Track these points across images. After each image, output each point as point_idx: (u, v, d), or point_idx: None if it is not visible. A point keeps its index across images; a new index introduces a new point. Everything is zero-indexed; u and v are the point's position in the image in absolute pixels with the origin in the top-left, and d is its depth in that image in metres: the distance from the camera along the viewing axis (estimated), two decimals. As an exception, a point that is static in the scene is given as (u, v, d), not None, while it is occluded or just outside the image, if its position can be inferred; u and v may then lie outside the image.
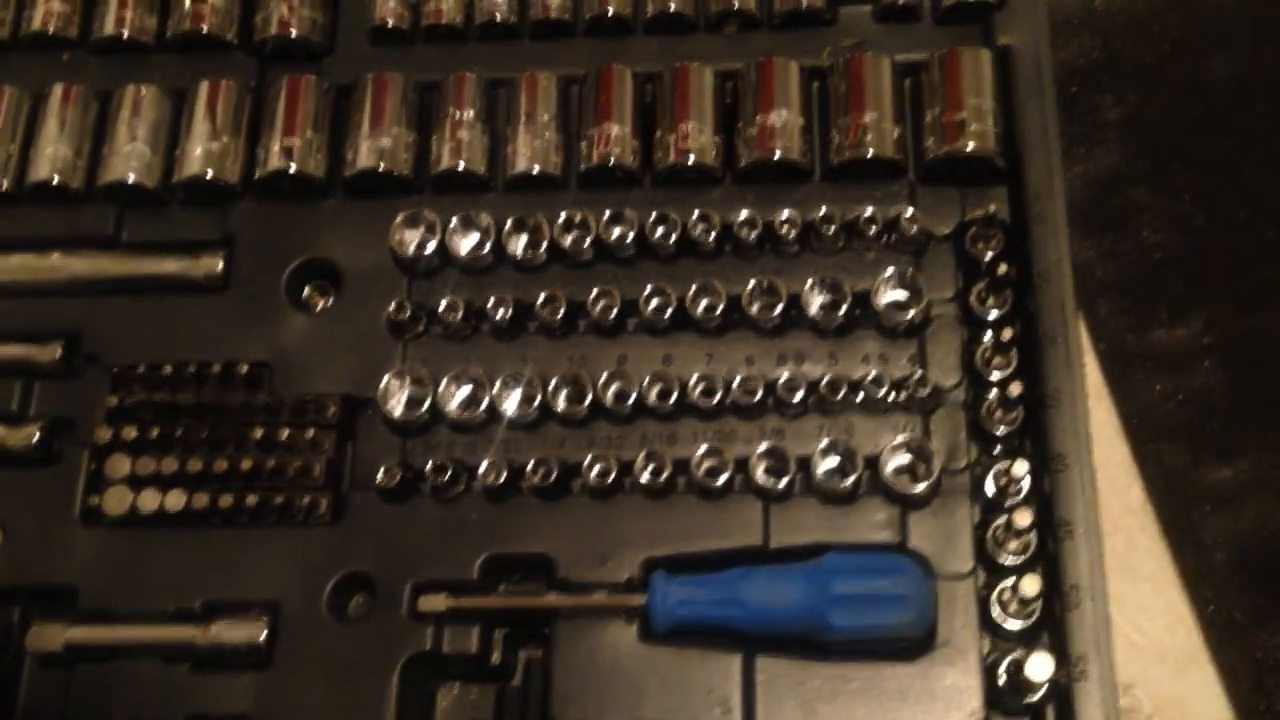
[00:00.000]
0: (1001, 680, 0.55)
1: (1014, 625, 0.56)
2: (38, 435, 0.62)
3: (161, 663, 0.58)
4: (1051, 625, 0.55)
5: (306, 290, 0.66)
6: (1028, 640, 0.56)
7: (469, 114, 0.66)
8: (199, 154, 0.66)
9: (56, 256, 0.66)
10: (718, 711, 0.55)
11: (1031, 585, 0.54)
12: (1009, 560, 0.57)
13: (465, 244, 0.63)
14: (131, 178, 0.66)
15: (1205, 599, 0.63)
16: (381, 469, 0.60)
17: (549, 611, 0.57)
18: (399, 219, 0.64)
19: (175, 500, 0.60)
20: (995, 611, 0.56)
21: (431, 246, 0.63)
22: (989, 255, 0.61)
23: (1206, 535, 0.63)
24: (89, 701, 0.58)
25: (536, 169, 0.64)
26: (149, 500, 0.60)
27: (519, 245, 0.63)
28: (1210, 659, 0.64)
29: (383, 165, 0.65)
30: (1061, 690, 0.53)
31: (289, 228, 0.66)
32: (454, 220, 0.63)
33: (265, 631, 0.57)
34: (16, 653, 0.59)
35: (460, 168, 0.65)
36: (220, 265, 0.65)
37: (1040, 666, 0.53)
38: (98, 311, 0.65)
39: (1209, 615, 0.63)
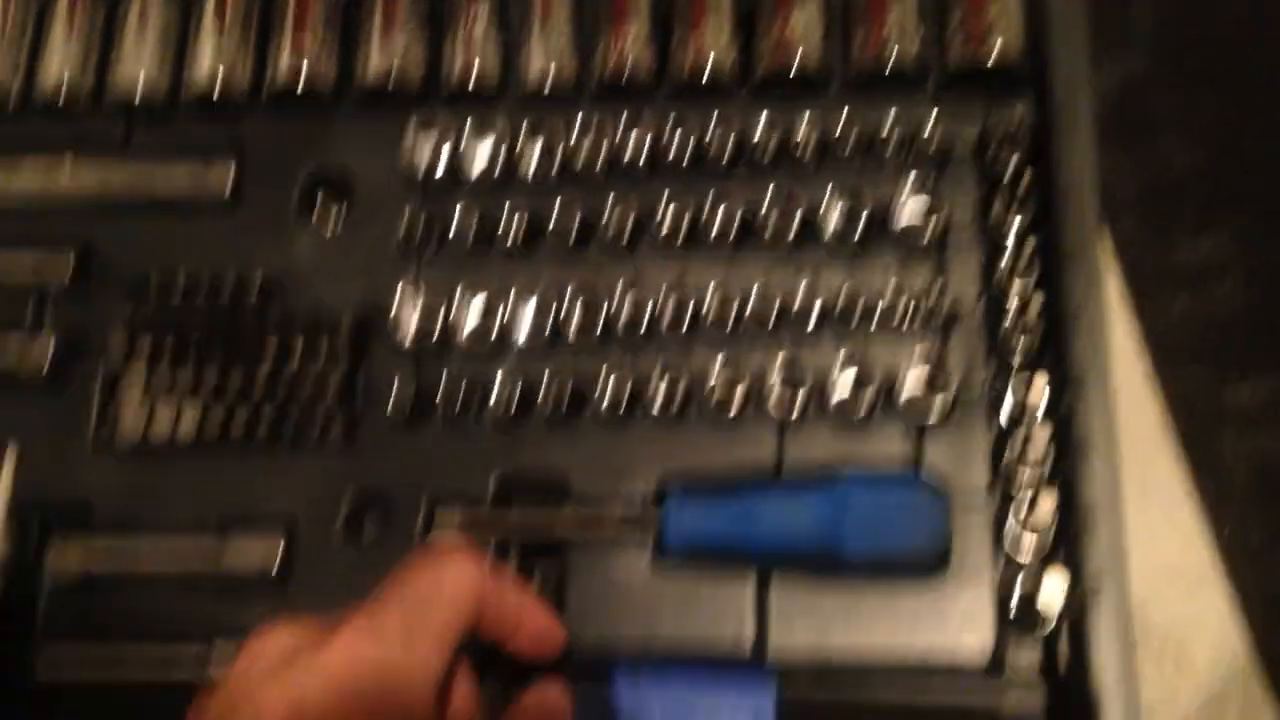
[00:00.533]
0: (1015, 600, 0.55)
1: (1029, 545, 0.56)
2: (51, 351, 0.62)
3: (177, 584, 0.59)
4: (1066, 545, 0.55)
5: (318, 204, 0.65)
6: (1042, 560, 0.56)
7: (482, 20, 0.64)
8: (208, 63, 0.65)
9: (66, 168, 0.65)
10: (731, 633, 0.55)
11: (1047, 505, 0.54)
12: (1025, 480, 0.56)
13: (478, 155, 0.62)
14: (140, 87, 0.65)
15: (1221, 521, 0.62)
16: (394, 390, 0.59)
17: (563, 533, 0.57)
18: (411, 128, 0.63)
19: (189, 421, 0.60)
20: (1010, 531, 0.56)
21: (444, 157, 0.62)
22: (1011, 168, 0.60)
23: (1225, 456, 0.62)
24: (106, 622, 0.59)
25: (551, 77, 0.63)
26: (163, 421, 0.60)
27: (532, 155, 0.62)
28: (1222, 580, 0.64)
29: (394, 74, 0.63)
30: (1075, 610, 0.54)
31: (300, 139, 0.65)
32: (467, 130, 0.62)
33: (280, 553, 0.58)
34: (35, 573, 0.59)
35: (473, 76, 0.63)
36: (231, 177, 0.64)
37: (1054, 587, 0.52)
38: (108, 224, 0.64)
39: (1224, 537, 0.62)
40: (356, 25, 0.65)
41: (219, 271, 0.63)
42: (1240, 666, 0.63)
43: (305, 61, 0.64)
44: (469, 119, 0.63)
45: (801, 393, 0.57)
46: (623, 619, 0.56)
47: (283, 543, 0.58)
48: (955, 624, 0.55)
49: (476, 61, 0.63)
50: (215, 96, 0.65)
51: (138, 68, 0.65)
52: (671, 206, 0.60)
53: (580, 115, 0.62)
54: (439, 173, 0.62)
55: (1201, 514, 0.64)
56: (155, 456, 0.61)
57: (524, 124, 0.62)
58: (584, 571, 0.57)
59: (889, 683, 0.55)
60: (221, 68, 0.64)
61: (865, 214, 0.59)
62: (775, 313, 0.59)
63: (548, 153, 0.62)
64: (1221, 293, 0.65)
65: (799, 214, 0.60)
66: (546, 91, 0.63)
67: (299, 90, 0.64)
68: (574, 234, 0.61)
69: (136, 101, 0.65)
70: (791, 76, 0.61)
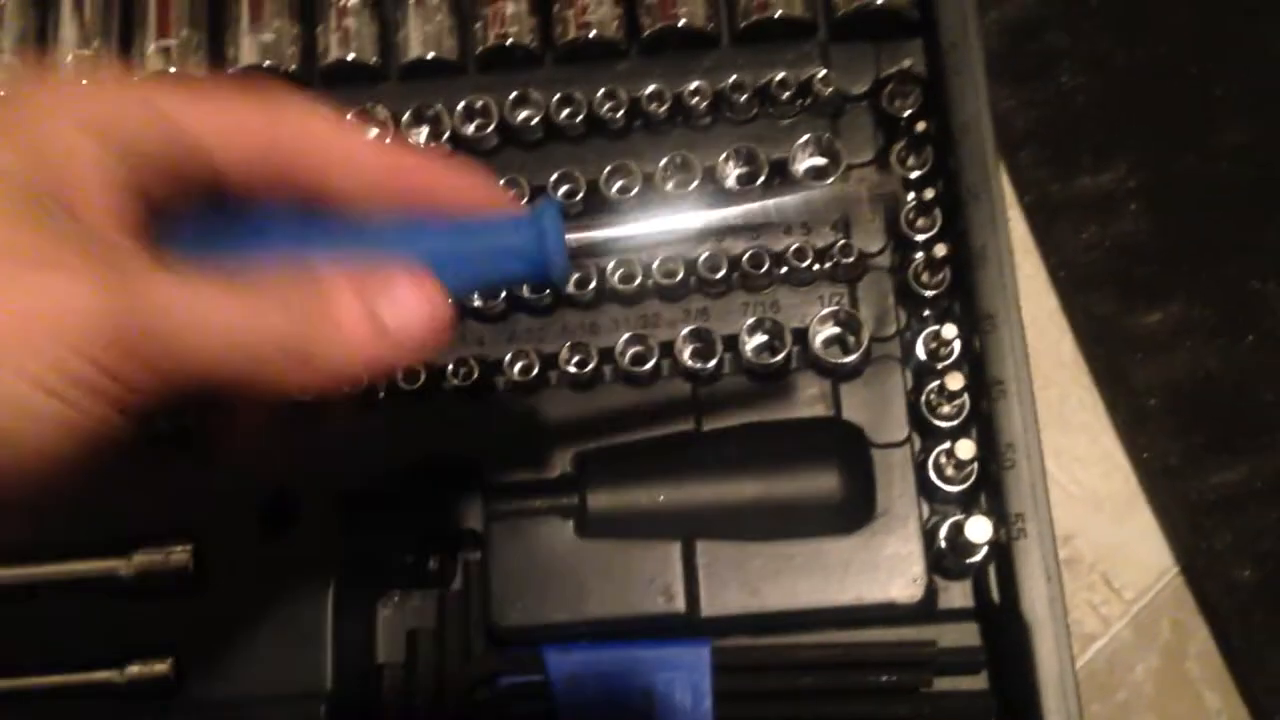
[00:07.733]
0: (942, 544, 0.55)
1: (951, 489, 0.55)
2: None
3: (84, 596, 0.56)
4: (989, 485, 0.55)
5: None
6: (966, 502, 0.56)
7: (355, 0, 0.62)
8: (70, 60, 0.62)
9: None
10: (661, 600, 0.54)
11: (966, 448, 0.54)
12: (943, 424, 0.56)
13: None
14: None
15: (1140, 446, 0.63)
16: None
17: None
18: (291, 116, 0.61)
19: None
20: (932, 476, 0.55)
21: (328, 141, 0.60)
22: (907, 112, 0.59)
23: (1138, 382, 0.62)
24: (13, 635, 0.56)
25: (431, 54, 0.61)
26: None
27: (420, 138, 0.60)
28: (1148, 504, 0.64)
29: (267, 61, 0.61)
30: (1002, 549, 0.53)
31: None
32: (349, 115, 0.60)
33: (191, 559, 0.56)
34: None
35: (350, 58, 0.61)
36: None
37: (979, 528, 0.52)
38: None
39: (1144, 461, 0.63)
40: (224, 12, 0.62)
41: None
42: (1170, 583, 0.63)
43: (173, 54, 0.61)
44: (349, 101, 0.61)
45: (713, 352, 0.56)
46: (550, 596, 0.54)
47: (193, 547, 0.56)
48: (884, 571, 0.54)
49: (352, 43, 0.61)
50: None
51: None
52: (566, 175, 0.59)
53: (465, 89, 0.60)
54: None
55: (1121, 440, 0.65)
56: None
57: (407, 102, 0.60)
58: (506, 552, 0.55)
59: (825, 630, 0.55)
60: (83, 66, 0.62)
61: (764, 169, 0.58)
62: (681, 273, 0.57)
63: (435, 130, 0.60)
64: (1126, 219, 0.65)
65: (697, 173, 0.58)
66: (428, 66, 0.61)
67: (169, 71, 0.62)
68: (469, 209, 0.59)
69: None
70: (679, 34, 0.60)
